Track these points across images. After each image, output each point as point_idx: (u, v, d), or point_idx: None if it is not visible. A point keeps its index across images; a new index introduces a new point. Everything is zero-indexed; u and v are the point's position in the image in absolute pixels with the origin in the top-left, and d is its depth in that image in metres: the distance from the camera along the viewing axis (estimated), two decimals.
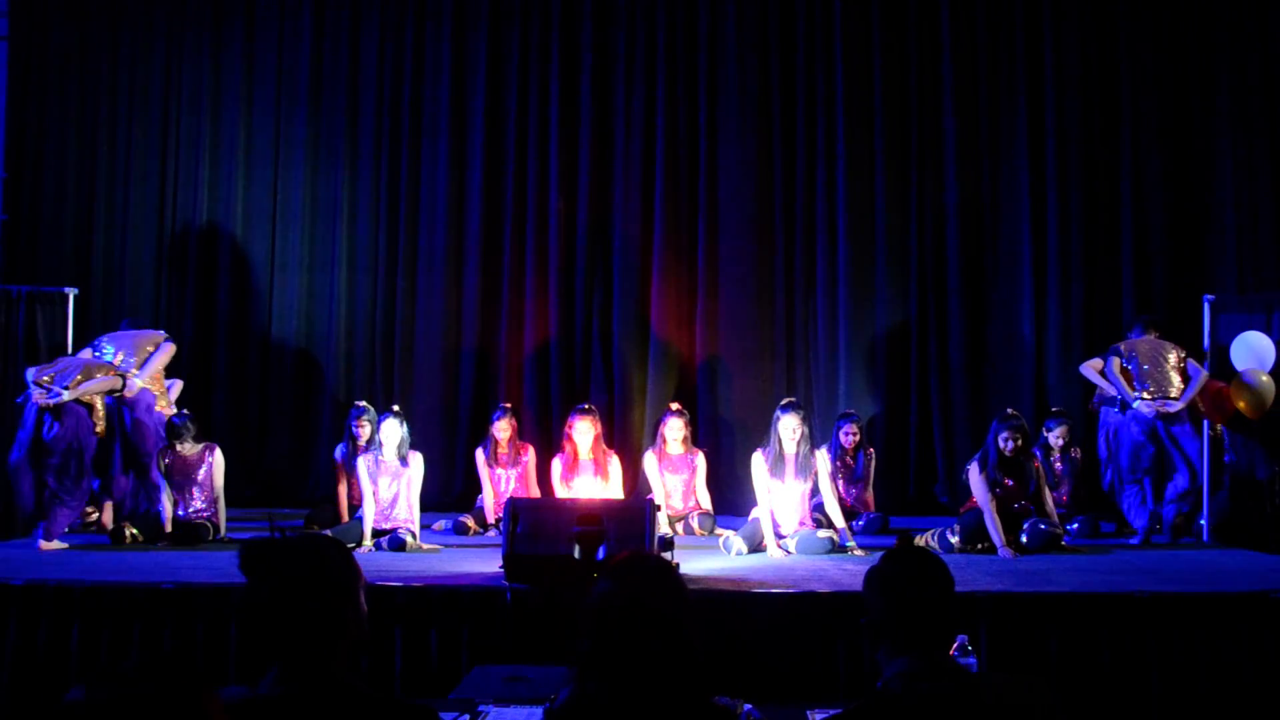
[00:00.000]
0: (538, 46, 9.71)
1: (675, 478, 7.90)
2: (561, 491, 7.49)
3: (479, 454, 8.05)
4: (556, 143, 9.62)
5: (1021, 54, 9.39)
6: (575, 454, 7.56)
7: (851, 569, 5.96)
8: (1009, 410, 6.97)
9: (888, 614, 2.32)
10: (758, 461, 6.71)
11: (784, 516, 6.68)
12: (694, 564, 5.98)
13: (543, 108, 9.68)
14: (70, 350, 7.84)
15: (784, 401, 6.91)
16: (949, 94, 9.38)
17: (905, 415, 9.29)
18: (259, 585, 2.06)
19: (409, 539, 6.63)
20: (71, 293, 7.88)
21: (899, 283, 9.36)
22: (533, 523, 5.21)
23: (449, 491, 9.05)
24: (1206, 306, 7.48)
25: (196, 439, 7.12)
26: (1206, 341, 7.46)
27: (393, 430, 6.92)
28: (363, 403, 8.00)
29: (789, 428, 6.64)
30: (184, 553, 6.52)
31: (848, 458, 8.09)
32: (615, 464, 7.69)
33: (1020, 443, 6.65)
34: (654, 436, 8.24)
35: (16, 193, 9.82)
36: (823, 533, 6.58)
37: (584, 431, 7.54)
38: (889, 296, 9.35)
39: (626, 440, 9.15)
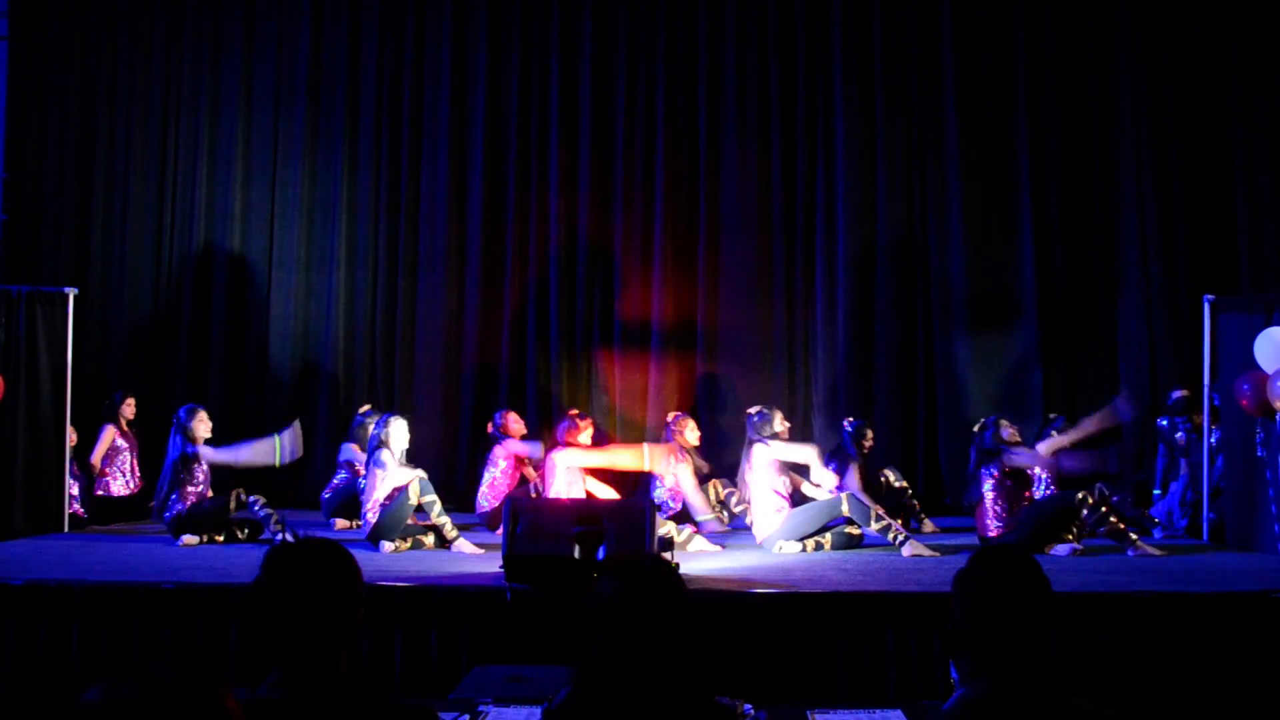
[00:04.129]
0: (538, 46, 9.71)
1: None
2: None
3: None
4: (556, 143, 9.62)
5: (1022, 52, 9.39)
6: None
7: (851, 569, 5.97)
8: (983, 420, 7.07)
9: (971, 626, 2.10)
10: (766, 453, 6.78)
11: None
12: (694, 564, 5.98)
13: (543, 107, 9.68)
14: (70, 351, 7.84)
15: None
16: (949, 93, 9.39)
17: (906, 414, 9.28)
18: (274, 587, 2.07)
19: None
20: (71, 293, 7.87)
21: (899, 282, 9.36)
22: (533, 523, 5.20)
23: (450, 491, 9.04)
24: (1206, 306, 7.47)
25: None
26: (1206, 341, 7.45)
27: (401, 431, 6.90)
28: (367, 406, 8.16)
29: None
30: (185, 553, 6.54)
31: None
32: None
33: (1017, 429, 6.78)
34: (663, 436, 8.13)
35: (16, 193, 9.82)
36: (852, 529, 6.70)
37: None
38: (889, 295, 9.35)
39: (629, 440, 9.13)
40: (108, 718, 1.41)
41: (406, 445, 6.93)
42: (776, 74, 9.53)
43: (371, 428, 7.26)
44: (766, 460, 6.75)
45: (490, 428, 8.06)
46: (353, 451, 8.11)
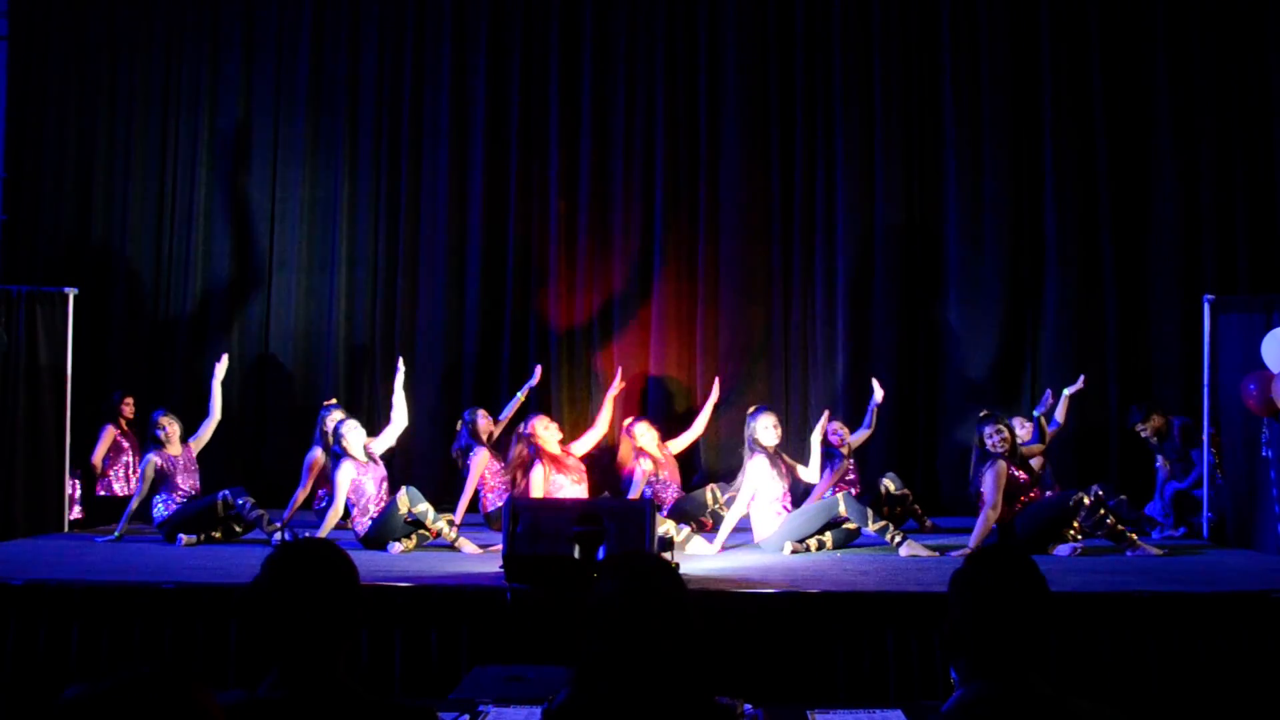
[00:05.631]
0: (538, 46, 9.71)
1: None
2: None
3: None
4: (556, 143, 9.63)
5: (1021, 53, 9.39)
6: (555, 459, 7.28)
7: (852, 570, 5.97)
8: (983, 412, 6.98)
9: (968, 627, 2.10)
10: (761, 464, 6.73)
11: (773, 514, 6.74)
12: (694, 564, 5.99)
13: (543, 107, 9.68)
14: (70, 351, 7.86)
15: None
16: (949, 94, 9.39)
17: (905, 414, 9.28)
18: (274, 587, 2.07)
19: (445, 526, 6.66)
20: (71, 293, 7.89)
21: (898, 282, 9.36)
22: (533, 523, 5.20)
23: (450, 491, 9.03)
24: (1206, 306, 7.47)
25: (182, 440, 7.32)
26: (1206, 341, 7.45)
27: (355, 433, 6.86)
28: (332, 400, 8.07)
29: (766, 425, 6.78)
30: (185, 553, 6.55)
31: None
32: (583, 443, 7.60)
33: (1009, 435, 6.67)
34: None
35: (16, 193, 9.82)
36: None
37: (544, 429, 7.25)
38: (888, 296, 9.35)
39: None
40: (88, 715, 1.42)
41: (363, 439, 6.89)
42: (776, 73, 9.53)
43: (331, 427, 7.21)
44: (757, 468, 6.71)
45: (460, 426, 7.99)
46: (318, 454, 7.67)
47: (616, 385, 7.88)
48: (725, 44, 9.55)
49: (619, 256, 9.56)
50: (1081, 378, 8.00)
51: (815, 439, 7.07)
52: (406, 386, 9.44)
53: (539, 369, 8.50)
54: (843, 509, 6.59)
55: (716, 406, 8.30)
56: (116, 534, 7.06)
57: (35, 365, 7.63)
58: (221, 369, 7.54)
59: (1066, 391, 7.86)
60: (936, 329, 9.40)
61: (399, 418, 7.21)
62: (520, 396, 8.22)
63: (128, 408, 8.46)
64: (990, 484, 6.52)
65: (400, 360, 7.51)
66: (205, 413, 7.54)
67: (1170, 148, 9.23)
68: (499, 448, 7.92)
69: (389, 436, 7.17)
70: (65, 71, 9.85)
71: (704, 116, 9.54)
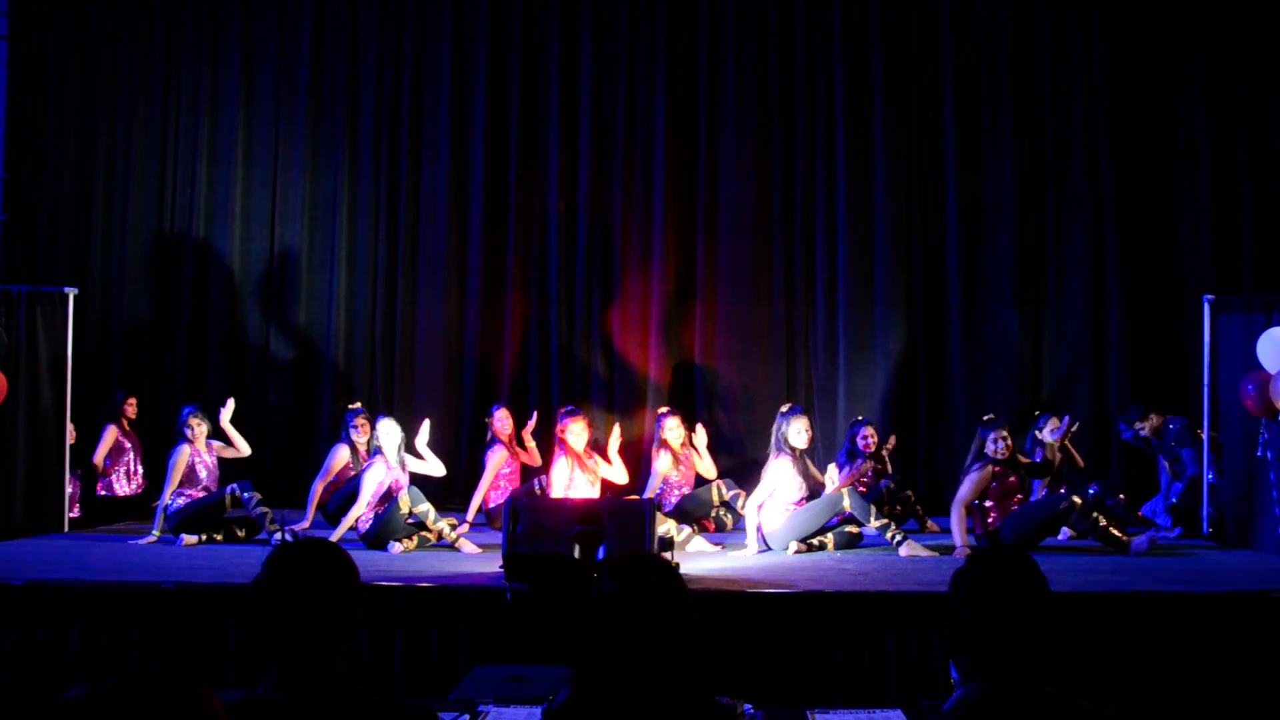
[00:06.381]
0: (538, 46, 9.72)
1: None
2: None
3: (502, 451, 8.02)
4: (556, 143, 9.63)
5: (1022, 53, 9.39)
6: (579, 458, 7.44)
7: (852, 570, 5.97)
8: (987, 416, 6.96)
9: (970, 626, 2.11)
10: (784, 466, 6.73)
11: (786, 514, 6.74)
12: (694, 564, 5.99)
13: (543, 108, 9.69)
14: (70, 351, 7.86)
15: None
16: (949, 94, 9.39)
17: (906, 415, 9.28)
18: (274, 587, 2.07)
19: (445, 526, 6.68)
20: (71, 293, 7.88)
21: (898, 282, 9.36)
22: (533, 523, 5.20)
23: (450, 490, 9.04)
24: (1206, 306, 7.47)
25: (208, 439, 7.32)
26: (1206, 341, 7.45)
27: (389, 432, 6.87)
28: (358, 404, 8.04)
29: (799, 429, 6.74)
30: (185, 553, 6.54)
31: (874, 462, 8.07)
32: (602, 465, 7.64)
33: (1011, 441, 6.67)
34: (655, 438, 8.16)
35: (16, 193, 9.83)
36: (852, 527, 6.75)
37: (578, 433, 7.41)
38: (888, 296, 9.35)
39: (627, 441, 9.13)
40: (91, 714, 1.42)
41: (400, 441, 6.89)
42: (776, 73, 9.53)
43: (367, 430, 7.28)
44: (780, 469, 6.71)
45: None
46: (344, 453, 7.80)
47: (616, 439, 7.79)
48: (725, 44, 9.55)
49: (619, 256, 9.56)
50: (1070, 421, 7.94)
51: (829, 477, 6.92)
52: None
53: (535, 414, 8.42)
54: (847, 503, 6.58)
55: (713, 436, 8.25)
56: (155, 534, 7.02)
57: (35, 365, 7.63)
58: (227, 412, 7.48)
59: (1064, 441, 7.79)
60: (938, 328, 9.39)
61: (437, 466, 7.31)
62: (531, 444, 8.19)
63: (130, 408, 8.46)
64: (969, 483, 6.60)
65: (426, 421, 7.51)
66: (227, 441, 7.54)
67: (1172, 146, 9.24)
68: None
69: (422, 469, 7.20)
70: (65, 71, 9.86)
71: (704, 116, 9.54)
